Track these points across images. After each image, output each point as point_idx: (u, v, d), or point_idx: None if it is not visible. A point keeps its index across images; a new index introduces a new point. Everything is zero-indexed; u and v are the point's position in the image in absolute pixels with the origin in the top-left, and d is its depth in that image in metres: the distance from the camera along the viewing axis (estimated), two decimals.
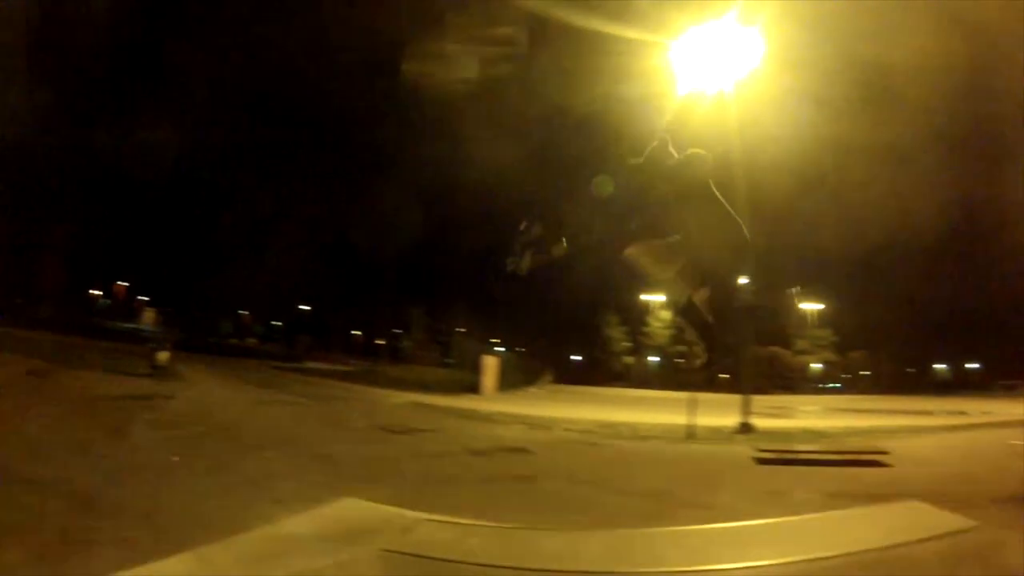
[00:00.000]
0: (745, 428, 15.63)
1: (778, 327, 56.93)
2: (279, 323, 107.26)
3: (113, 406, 12.35)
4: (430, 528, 5.74)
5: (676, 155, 5.49)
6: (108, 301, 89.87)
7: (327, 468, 8.76)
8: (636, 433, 15.32)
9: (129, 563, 4.42)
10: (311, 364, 53.67)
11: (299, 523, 5.99)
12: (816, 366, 61.98)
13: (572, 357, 78.27)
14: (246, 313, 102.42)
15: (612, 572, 4.53)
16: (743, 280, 20.10)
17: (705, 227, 5.68)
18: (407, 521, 5.91)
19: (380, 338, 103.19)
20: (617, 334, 72.73)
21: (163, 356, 20.50)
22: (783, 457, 11.30)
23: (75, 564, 4.40)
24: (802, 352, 60.79)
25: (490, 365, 30.46)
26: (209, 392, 17.45)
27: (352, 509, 6.55)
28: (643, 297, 65.45)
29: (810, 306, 60.24)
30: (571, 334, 73.71)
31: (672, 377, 63.86)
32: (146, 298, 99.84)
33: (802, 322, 61.10)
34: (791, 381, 56.41)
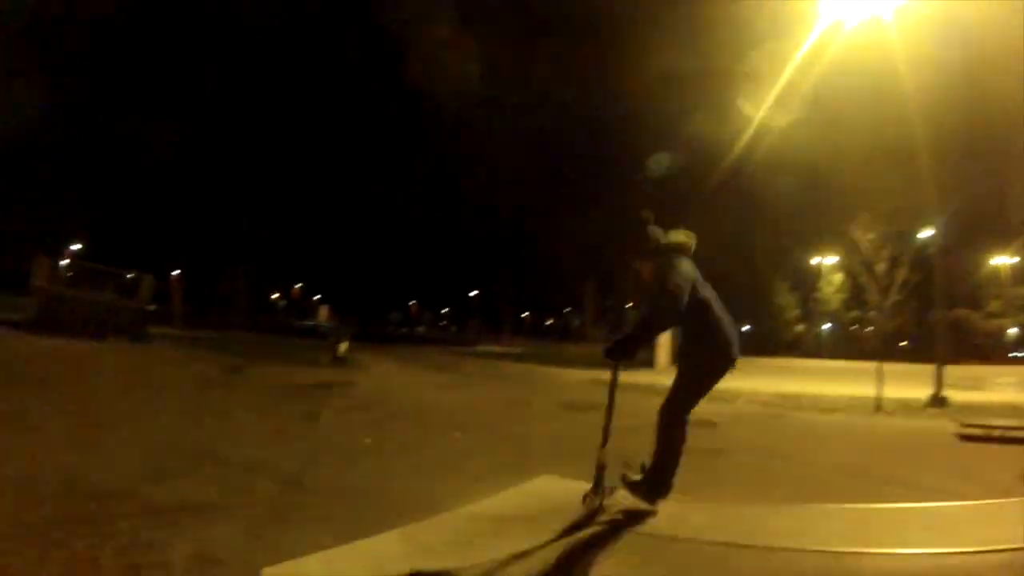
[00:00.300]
0: (938, 401, 14.26)
1: (967, 287, 51.26)
2: (446, 310, 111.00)
3: (303, 394, 12.78)
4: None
5: None
6: (285, 302, 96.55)
7: (516, 447, 8.56)
8: (820, 405, 14.48)
9: (335, 538, 4.32)
10: (483, 347, 54.92)
11: (500, 501, 5.76)
12: (1012, 331, 55.43)
13: (743, 328, 75.85)
14: (414, 303, 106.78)
15: (855, 551, 4.14)
16: (929, 232, 18.32)
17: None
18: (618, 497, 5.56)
19: (549, 318, 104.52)
20: (788, 301, 69.30)
21: (343, 347, 21.50)
22: (989, 434, 10.02)
23: (285, 539, 4.37)
24: (994, 315, 54.45)
25: (663, 338, 29.56)
26: (389, 378, 17.88)
27: (551, 486, 6.27)
28: (815, 261, 61.58)
29: (1005, 260, 52.97)
30: (741, 303, 71.37)
31: (847, 346, 60.33)
32: (319, 296, 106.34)
33: (995, 280, 54.29)
34: (981, 348, 50.64)
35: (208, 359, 19.08)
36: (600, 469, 5.09)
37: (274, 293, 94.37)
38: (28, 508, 4.71)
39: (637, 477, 5.05)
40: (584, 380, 20.62)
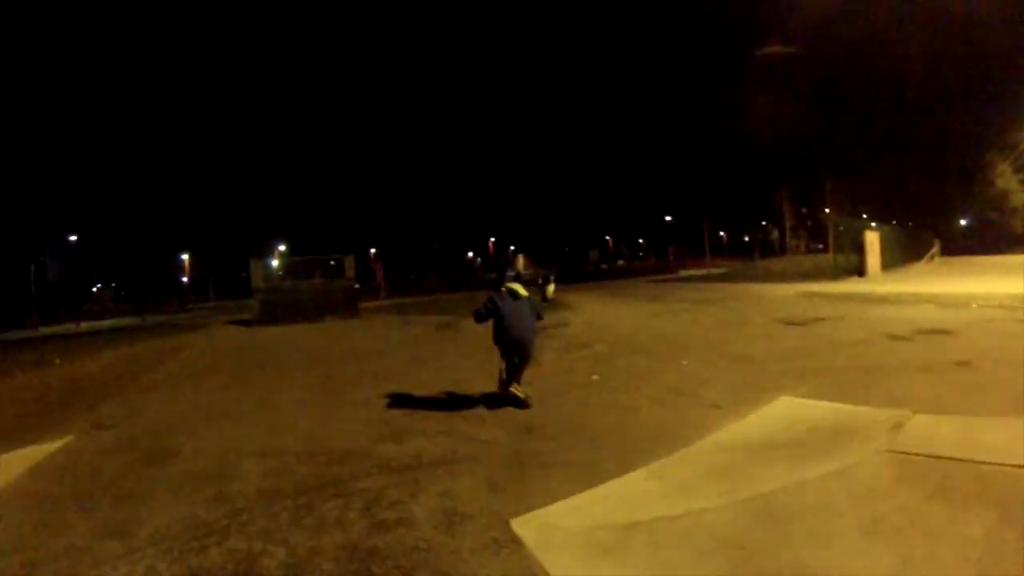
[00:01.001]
0: None
1: None
2: (642, 240, 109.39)
3: None
4: (924, 424, 4.86)
5: None
6: (480, 259, 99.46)
7: (745, 368, 8.17)
8: None
9: (579, 483, 4.26)
10: (685, 272, 53.87)
11: (745, 428, 5.45)
12: None
13: (960, 222, 67.54)
14: (609, 239, 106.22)
15: None
16: None
17: None
18: (881, 418, 5.11)
19: (746, 234, 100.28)
20: (1011, 185, 57.47)
21: (551, 289, 21.58)
22: None
23: (529, 487, 4.37)
24: None
25: (872, 243, 27.29)
26: (600, 314, 17.79)
27: (793, 409, 5.93)
28: None
29: None
30: (953, 193, 63.27)
31: None
32: (514, 247, 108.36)
33: None
34: None
35: (417, 321, 20.08)
36: None
37: (469, 252, 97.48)
38: (275, 476, 5.06)
39: None
40: (794, 294, 19.65)
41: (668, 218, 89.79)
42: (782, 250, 75.67)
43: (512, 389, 6.89)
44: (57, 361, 15.59)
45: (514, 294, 7.32)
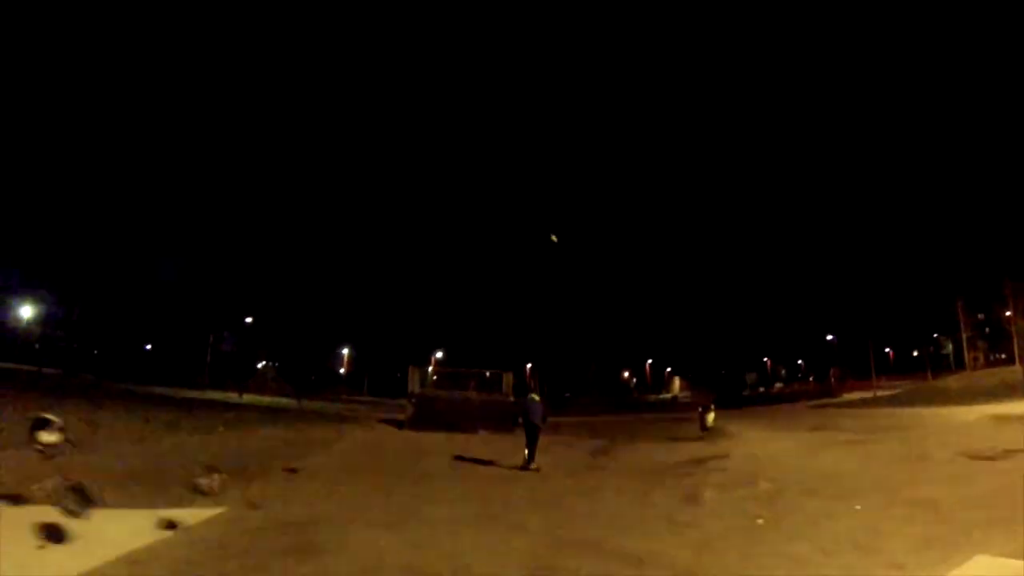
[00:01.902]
0: None
1: None
2: (800, 362, 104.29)
3: (679, 472, 12.54)
4: None
5: None
6: (636, 379, 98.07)
7: (928, 515, 7.40)
8: None
9: None
10: (849, 395, 50.57)
11: None
12: None
13: None
14: (767, 360, 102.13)
15: None
16: None
17: None
18: None
19: (915, 349, 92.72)
20: None
21: (711, 417, 21.11)
22: None
23: None
24: None
25: None
26: (762, 445, 16.96)
27: (994, 570, 5.29)
28: None
29: None
30: None
31: None
32: (670, 368, 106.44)
33: None
34: None
35: (573, 443, 19.78)
36: None
37: (625, 371, 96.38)
38: None
39: None
40: (978, 419, 17.98)
41: (829, 337, 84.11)
42: (958, 365, 68.83)
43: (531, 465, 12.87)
44: (220, 429, 16.63)
45: (533, 400, 14.46)
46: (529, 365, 63.92)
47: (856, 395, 50.12)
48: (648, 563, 6.09)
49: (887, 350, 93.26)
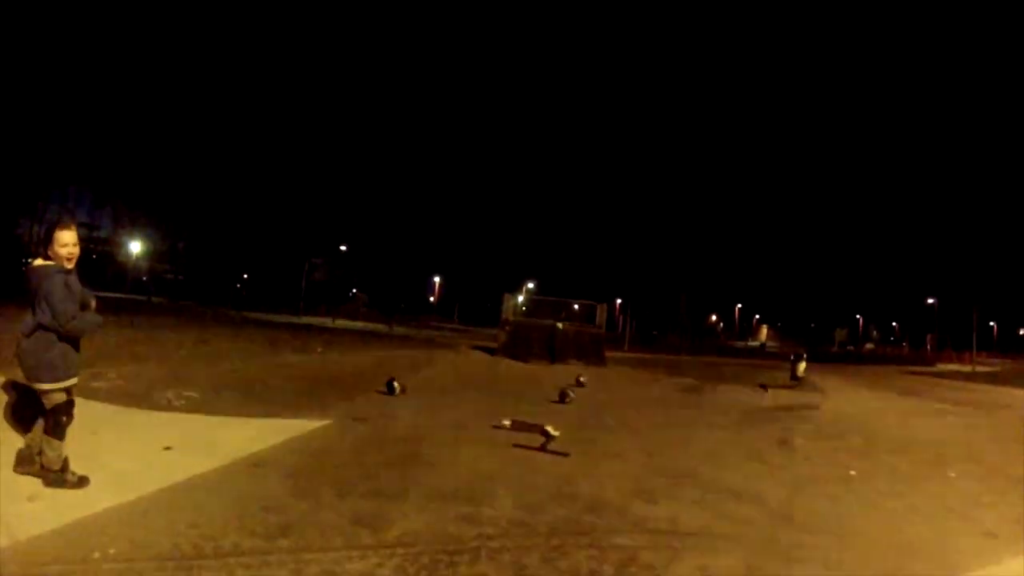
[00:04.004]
0: None
1: None
2: (895, 324, 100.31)
3: (770, 417, 12.64)
4: None
5: None
6: (722, 324, 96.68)
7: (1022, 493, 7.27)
8: None
9: None
10: (944, 366, 48.66)
11: None
12: None
13: None
14: (860, 317, 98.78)
15: None
16: None
17: None
18: None
19: (1021, 328, 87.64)
20: None
21: (802, 367, 20.87)
22: None
23: None
24: None
25: None
26: (851, 402, 16.73)
27: None
28: None
29: None
30: None
31: None
32: (758, 316, 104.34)
33: None
34: None
35: (664, 380, 19.92)
36: None
37: (713, 315, 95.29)
38: (527, 510, 5.29)
39: None
40: None
41: (930, 300, 79.32)
42: None
43: None
44: (319, 350, 17.51)
45: None
46: (620, 300, 63.85)
47: (953, 366, 48.17)
48: (742, 496, 6.30)
49: (991, 323, 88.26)
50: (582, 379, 15.64)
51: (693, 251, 78.47)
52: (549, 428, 7.81)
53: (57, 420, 4.74)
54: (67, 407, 4.82)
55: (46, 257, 4.73)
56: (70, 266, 4.76)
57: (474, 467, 6.64)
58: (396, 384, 11.15)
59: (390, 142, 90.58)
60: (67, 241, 4.72)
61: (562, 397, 12.34)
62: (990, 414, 15.62)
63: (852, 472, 7.76)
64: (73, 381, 4.88)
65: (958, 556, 4.99)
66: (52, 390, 4.71)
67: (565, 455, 7.49)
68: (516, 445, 7.85)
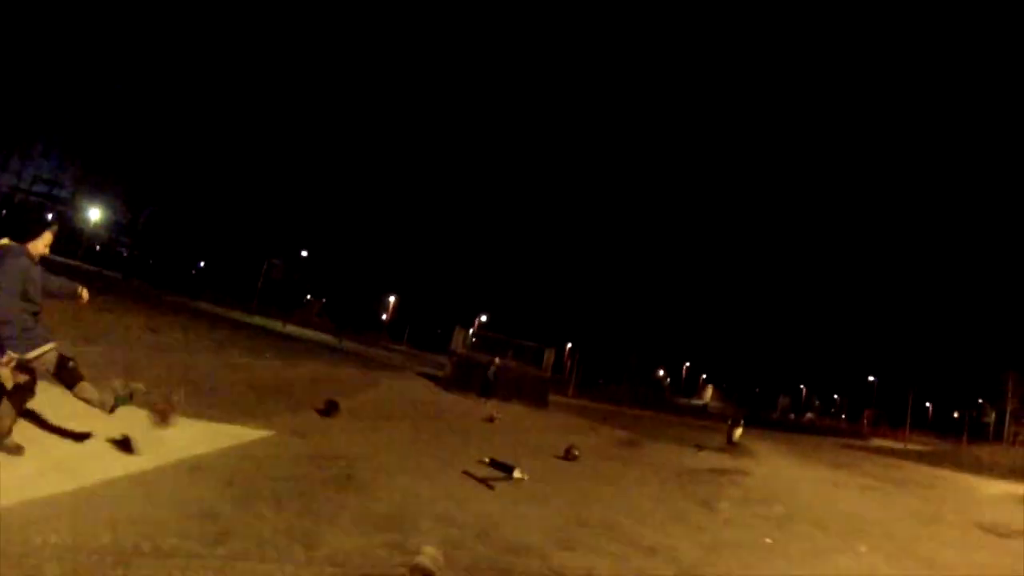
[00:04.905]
0: None
1: None
2: (836, 396, 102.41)
3: (700, 478, 12.96)
4: None
5: None
6: (669, 379, 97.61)
7: (927, 574, 7.76)
8: None
9: None
10: (879, 442, 49.80)
11: None
12: None
13: None
14: (803, 387, 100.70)
15: None
16: None
17: None
18: None
19: (956, 410, 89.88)
20: None
21: (738, 432, 21.40)
22: None
23: None
24: None
25: None
26: (781, 470, 17.29)
27: None
28: None
29: None
30: None
31: None
32: (705, 376, 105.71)
33: None
34: None
35: (602, 431, 20.25)
36: None
37: (661, 369, 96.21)
38: (450, 546, 5.43)
39: None
40: (1004, 494, 17.89)
41: (871, 378, 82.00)
42: (997, 436, 66.81)
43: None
44: (267, 355, 17.80)
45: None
46: (570, 344, 64.23)
47: (887, 442, 49.42)
48: (659, 553, 6.58)
49: (927, 404, 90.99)
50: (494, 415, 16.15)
51: (648, 305, 79.70)
52: (517, 472, 8.45)
53: None
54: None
55: (20, 240, 5.07)
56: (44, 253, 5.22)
57: (402, 494, 6.84)
58: (338, 404, 11.20)
59: (367, 154, 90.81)
60: (49, 241, 5.25)
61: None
62: (912, 493, 16.18)
63: (768, 540, 8.11)
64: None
65: None
66: None
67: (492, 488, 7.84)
68: (465, 475, 8.12)
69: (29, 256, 5.05)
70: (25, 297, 4.99)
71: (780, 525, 9.24)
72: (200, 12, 69.69)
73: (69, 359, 5.26)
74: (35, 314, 5.09)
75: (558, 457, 11.89)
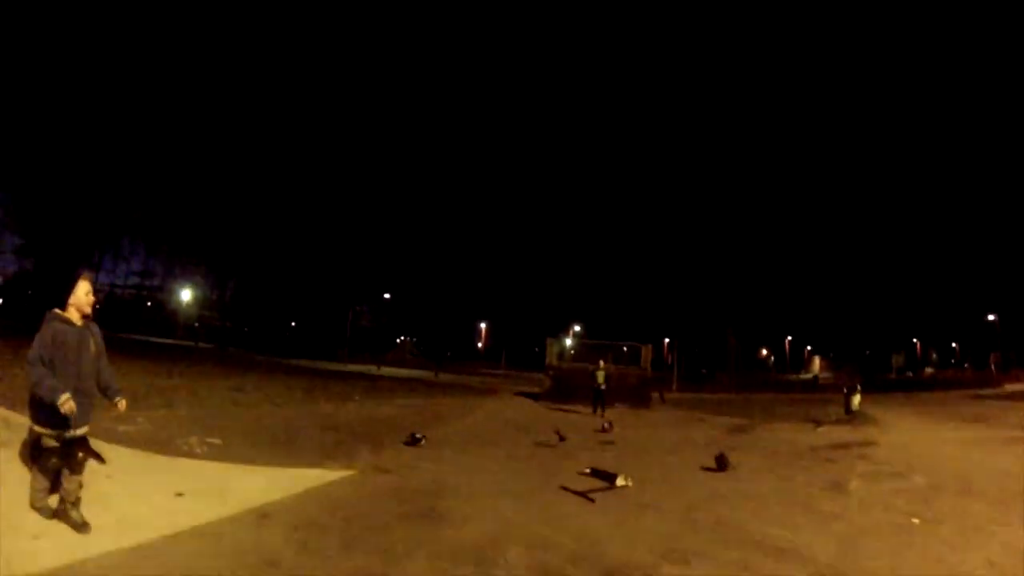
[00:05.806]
0: None
1: None
2: (955, 344, 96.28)
3: (821, 457, 11.81)
4: None
5: None
6: (773, 358, 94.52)
7: None
8: None
9: None
10: (1011, 387, 46.06)
11: None
12: None
13: None
14: (916, 341, 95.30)
15: None
16: None
17: None
18: None
19: None
20: None
21: (856, 400, 19.93)
22: None
23: None
24: None
25: None
26: (913, 435, 15.82)
27: None
28: None
29: None
30: None
31: None
32: (810, 347, 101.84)
33: None
34: None
35: (710, 420, 19.21)
36: None
37: (763, 349, 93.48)
38: (544, 574, 4.88)
39: None
40: None
41: (991, 317, 74.13)
42: None
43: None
44: (356, 398, 17.75)
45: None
46: (667, 340, 63.09)
47: (1022, 386, 45.83)
48: (787, 554, 5.67)
49: None
50: (606, 426, 15.26)
51: (739, 285, 77.59)
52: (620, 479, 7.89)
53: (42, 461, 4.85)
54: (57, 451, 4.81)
55: (63, 305, 4.91)
56: (87, 310, 4.99)
57: (492, 524, 6.20)
58: (423, 435, 10.77)
59: (434, 192, 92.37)
60: (88, 290, 5.02)
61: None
62: None
63: (915, 520, 7.02)
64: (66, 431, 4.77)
65: None
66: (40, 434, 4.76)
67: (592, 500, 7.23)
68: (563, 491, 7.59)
69: (64, 320, 4.84)
70: (62, 364, 4.73)
71: (924, 500, 8.07)
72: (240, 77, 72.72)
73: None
74: (76, 389, 4.69)
75: (704, 469, 10.13)
